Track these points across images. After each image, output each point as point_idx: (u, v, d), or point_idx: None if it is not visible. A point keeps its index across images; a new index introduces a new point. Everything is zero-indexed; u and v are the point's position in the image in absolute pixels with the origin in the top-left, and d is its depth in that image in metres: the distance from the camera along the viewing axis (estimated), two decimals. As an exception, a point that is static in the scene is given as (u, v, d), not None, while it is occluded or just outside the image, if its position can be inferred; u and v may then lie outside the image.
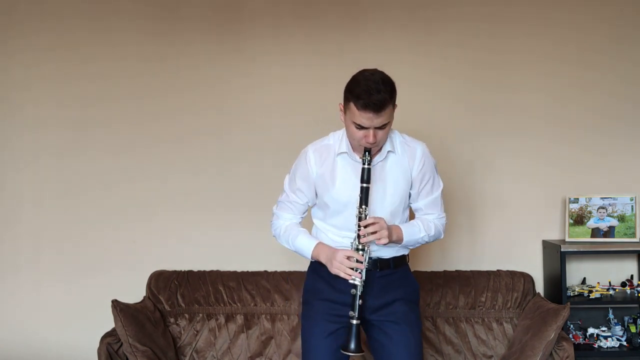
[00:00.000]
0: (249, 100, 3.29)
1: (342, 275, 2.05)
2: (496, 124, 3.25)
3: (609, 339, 2.95)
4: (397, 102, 2.10)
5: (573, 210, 3.12)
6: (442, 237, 2.30)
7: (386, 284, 2.19)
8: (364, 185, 2.05)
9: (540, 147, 3.23)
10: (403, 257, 2.26)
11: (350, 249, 2.08)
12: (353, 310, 2.03)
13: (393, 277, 2.21)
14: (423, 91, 3.24)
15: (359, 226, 2.05)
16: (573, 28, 3.24)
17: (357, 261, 2.04)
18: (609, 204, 3.08)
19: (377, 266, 2.17)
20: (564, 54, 3.24)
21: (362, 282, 2.03)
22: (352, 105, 1.99)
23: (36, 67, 3.32)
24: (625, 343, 2.95)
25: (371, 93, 1.94)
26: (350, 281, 2.04)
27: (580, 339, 2.97)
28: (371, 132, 2.00)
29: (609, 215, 3.08)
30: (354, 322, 2.02)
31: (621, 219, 3.06)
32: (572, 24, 3.24)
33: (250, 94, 3.30)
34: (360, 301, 2.03)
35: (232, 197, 3.27)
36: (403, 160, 2.19)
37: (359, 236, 2.05)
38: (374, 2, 3.27)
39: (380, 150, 2.16)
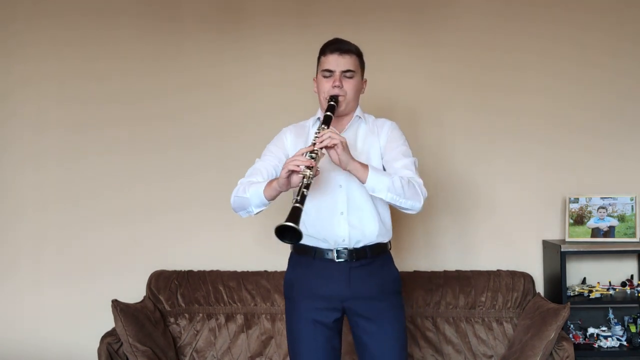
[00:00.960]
0: (249, 100, 3.29)
1: (293, 167, 1.91)
2: (495, 124, 3.24)
3: (609, 338, 2.95)
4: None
5: (573, 210, 3.12)
6: (421, 205, 2.08)
7: (363, 274, 2.15)
8: (327, 113, 2.08)
9: (540, 147, 3.23)
10: (381, 245, 2.20)
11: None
12: (297, 195, 1.86)
13: (371, 266, 2.17)
14: (422, 90, 3.24)
15: (315, 137, 1.98)
16: (573, 26, 3.24)
17: (307, 155, 1.92)
18: (609, 204, 3.08)
19: (352, 256, 2.14)
20: (564, 52, 3.24)
21: (311, 176, 1.88)
22: (321, 58, 2.20)
23: (37, 66, 3.32)
24: (625, 343, 2.95)
25: (338, 41, 2.20)
26: (300, 174, 1.89)
27: (580, 339, 2.97)
28: (337, 74, 2.14)
29: (609, 215, 3.08)
30: (296, 205, 1.83)
31: (621, 219, 3.06)
32: (572, 22, 3.24)
33: (250, 94, 3.30)
34: (305, 191, 1.86)
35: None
36: (373, 129, 2.26)
37: (313, 144, 1.95)
38: (374, 2, 3.27)
39: (349, 116, 2.24)
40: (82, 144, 3.31)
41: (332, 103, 2.13)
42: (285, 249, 3.11)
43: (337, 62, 2.15)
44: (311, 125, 2.31)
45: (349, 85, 2.17)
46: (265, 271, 3.15)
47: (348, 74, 2.16)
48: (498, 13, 3.26)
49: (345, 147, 1.98)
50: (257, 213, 2.15)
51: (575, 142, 3.23)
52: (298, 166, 1.91)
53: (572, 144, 3.23)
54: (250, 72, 3.29)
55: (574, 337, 2.96)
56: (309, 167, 1.90)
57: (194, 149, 3.30)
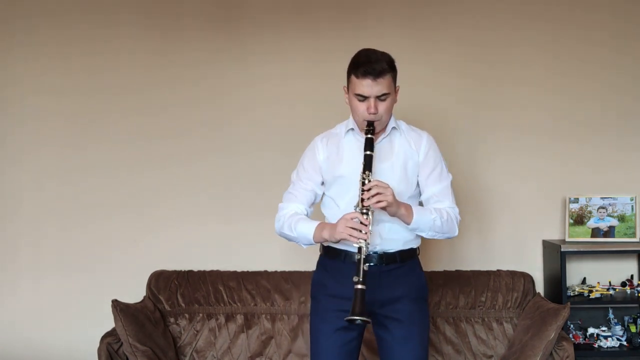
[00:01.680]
0: (249, 98, 3.29)
1: (347, 237, 1.96)
2: (496, 123, 3.24)
3: (609, 338, 2.95)
4: (398, 99, 2.11)
5: (573, 210, 3.12)
6: (457, 233, 2.18)
7: (392, 279, 2.16)
8: (367, 153, 2.05)
9: (540, 146, 3.23)
10: (411, 250, 2.21)
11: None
12: (357, 274, 1.92)
13: (399, 271, 2.17)
14: (423, 87, 3.23)
15: (362, 191, 1.99)
16: (574, 24, 3.24)
17: (362, 223, 1.95)
18: (609, 204, 3.08)
19: (382, 260, 2.15)
20: (564, 53, 3.24)
21: (367, 245, 1.95)
22: (352, 77, 2.09)
23: (36, 60, 3.32)
24: (625, 343, 2.95)
25: (370, 61, 2.05)
26: (355, 244, 1.96)
27: (580, 339, 2.97)
28: (372, 101, 2.06)
29: (609, 215, 3.08)
30: (359, 287, 1.90)
31: (621, 219, 3.06)
32: (573, 19, 3.24)
33: (251, 94, 3.29)
34: (365, 266, 1.93)
35: (233, 197, 3.27)
36: (409, 141, 2.21)
37: (362, 200, 1.98)
38: (373, 1, 3.27)
39: (384, 129, 2.19)
40: (82, 144, 3.31)
41: (370, 137, 2.06)
42: (285, 249, 3.12)
43: (371, 88, 2.05)
44: (343, 135, 2.23)
45: (383, 108, 2.09)
46: (265, 271, 3.15)
47: (382, 97, 2.07)
48: (500, 9, 3.25)
49: (394, 199, 2.00)
50: (306, 247, 2.21)
51: (575, 142, 3.23)
52: (353, 236, 1.95)
53: (572, 143, 3.23)
54: (250, 68, 3.28)
55: (574, 337, 2.96)
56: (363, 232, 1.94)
57: (195, 149, 3.29)
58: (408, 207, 2.07)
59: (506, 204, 3.23)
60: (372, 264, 2.12)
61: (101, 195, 3.29)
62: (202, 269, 3.20)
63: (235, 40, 3.29)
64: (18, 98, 3.33)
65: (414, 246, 2.24)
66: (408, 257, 2.21)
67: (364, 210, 1.98)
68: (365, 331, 2.24)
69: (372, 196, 1.96)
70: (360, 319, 1.87)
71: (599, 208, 3.09)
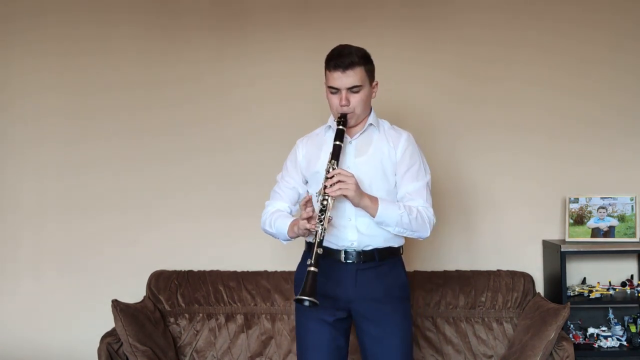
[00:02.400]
0: (249, 97, 3.29)
1: (306, 226, 1.99)
2: (496, 123, 3.24)
3: (609, 338, 2.95)
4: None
5: (573, 210, 3.12)
6: (428, 234, 2.16)
7: (370, 277, 2.16)
8: (336, 143, 2.07)
9: (540, 146, 3.23)
10: (390, 249, 2.20)
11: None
12: (310, 257, 1.96)
13: (379, 269, 2.17)
14: (422, 87, 3.24)
15: (326, 178, 2.02)
16: (574, 23, 3.24)
17: (320, 211, 1.99)
18: (609, 204, 3.08)
19: (360, 258, 2.15)
20: (564, 51, 3.23)
21: (323, 230, 1.97)
22: (326, 71, 2.14)
23: (36, 59, 3.32)
24: (625, 343, 2.95)
25: (341, 54, 2.10)
26: (312, 229, 1.99)
27: (580, 339, 2.97)
28: (343, 92, 2.10)
29: (609, 215, 3.08)
30: (311, 269, 1.94)
31: (621, 219, 3.06)
32: (573, 18, 3.24)
33: (249, 93, 3.29)
34: (319, 250, 1.95)
35: (233, 197, 3.27)
36: (388, 139, 2.23)
37: (324, 187, 2.01)
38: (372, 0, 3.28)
39: (363, 123, 2.21)
40: (82, 144, 3.31)
41: (340, 127, 2.10)
42: (285, 249, 3.11)
43: (341, 80, 2.10)
44: (324, 133, 2.29)
45: (356, 100, 2.13)
46: (265, 271, 3.15)
47: (354, 89, 2.12)
48: (499, 8, 3.25)
49: (357, 189, 2.02)
50: (285, 243, 2.27)
51: (575, 141, 3.22)
52: (309, 225, 2.00)
53: (572, 143, 3.22)
54: (250, 68, 3.28)
55: (574, 337, 2.96)
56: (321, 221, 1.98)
57: (194, 149, 3.29)
58: (374, 199, 2.08)
59: (506, 203, 3.23)
60: (349, 261, 2.15)
61: (101, 195, 3.30)
62: (202, 269, 3.20)
63: (235, 38, 3.29)
64: (18, 96, 3.33)
65: (395, 245, 2.22)
66: (387, 256, 2.20)
67: (325, 197, 2.00)
68: (353, 331, 2.25)
69: (334, 184, 1.99)
70: (309, 300, 1.89)
71: (599, 208, 3.09)
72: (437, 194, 3.18)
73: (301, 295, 1.90)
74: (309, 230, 2.01)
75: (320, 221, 1.98)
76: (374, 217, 2.08)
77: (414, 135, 2.29)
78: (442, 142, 3.24)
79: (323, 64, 2.19)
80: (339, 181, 1.99)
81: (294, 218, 2.18)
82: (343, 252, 2.16)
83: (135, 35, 3.31)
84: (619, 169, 3.21)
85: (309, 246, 2.24)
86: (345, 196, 2.02)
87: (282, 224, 2.18)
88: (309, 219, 2.01)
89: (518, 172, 3.23)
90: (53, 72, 3.32)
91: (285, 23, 3.28)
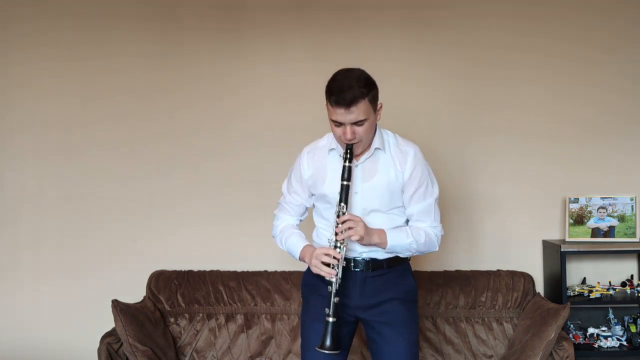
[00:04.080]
0: (248, 99, 3.29)
1: (318, 272, 2.05)
2: (496, 123, 3.24)
3: (609, 338, 2.95)
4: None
5: (573, 210, 3.12)
6: (437, 249, 2.23)
7: (379, 284, 2.17)
8: (344, 183, 2.06)
9: (540, 146, 3.23)
10: (397, 257, 2.21)
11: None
12: (328, 307, 2.02)
13: (387, 276, 2.19)
14: (422, 90, 3.24)
15: (337, 223, 2.05)
16: (574, 26, 3.24)
17: (334, 258, 2.02)
18: (609, 204, 3.08)
19: (369, 266, 2.17)
20: (564, 51, 3.24)
21: (338, 280, 2.02)
22: (327, 102, 2.06)
23: (35, 64, 3.32)
24: (625, 343, 2.95)
25: (342, 89, 1.99)
26: (327, 278, 2.04)
27: (580, 339, 2.97)
28: (347, 128, 2.03)
29: (609, 215, 3.08)
30: (330, 320, 2.01)
31: (621, 219, 3.06)
32: (572, 20, 3.24)
33: (251, 96, 3.29)
34: (336, 299, 2.01)
35: (233, 198, 3.27)
36: (395, 161, 2.18)
37: (336, 233, 2.06)
38: (372, 1, 3.27)
39: (368, 148, 2.16)
40: (81, 144, 3.31)
41: (347, 165, 2.06)
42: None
43: (345, 117, 2.01)
44: (327, 152, 2.22)
45: (361, 131, 2.05)
46: (265, 271, 3.15)
47: (359, 123, 2.04)
48: (499, 11, 3.25)
49: (365, 234, 2.06)
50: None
51: (575, 142, 3.23)
52: (324, 272, 2.04)
53: (572, 144, 3.23)
54: (250, 70, 3.29)
55: (574, 337, 2.96)
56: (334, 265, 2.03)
57: (194, 149, 3.29)
58: (382, 235, 2.12)
59: (506, 203, 3.23)
60: (357, 269, 2.17)
61: (101, 195, 3.30)
62: (202, 269, 3.20)
63: (236, 41, 3.29)
64: (18, 102, 3.33)
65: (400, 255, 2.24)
66: (396, 263, 2.21)
67: (337, 244, 2.05)
68: (358, 331, 2.27)
69: (345, 230, 2.03)
70: (329, 353, 2.00)
71: (599, 208, 3.09)
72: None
73: (320, 348, 2.01)
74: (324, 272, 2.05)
75: (336, 271, 2.02)
76: (384, 249, 2.13)
77: (419, 145, 2.25)
78: (443, 144, 3.24)
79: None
80: (350, 228, 2.03)
81: (306, 244, 2.22)
82: (352, 260, 2.17)
83: (134, 41, 3.31)
84: (619, 169, 3.21)
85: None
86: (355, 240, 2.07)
87: (294, 246, 2.23)
88: (324, 264, 2.05)
89: (518, 173, 3.23)
90: (51, 77, 3.32)
91: (285, 26, 3.28)
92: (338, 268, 2.02)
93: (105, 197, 3.30)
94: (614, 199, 3.07)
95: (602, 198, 3.09)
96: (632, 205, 3.06)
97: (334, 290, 2.01)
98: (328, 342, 1.99)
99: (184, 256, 3.25)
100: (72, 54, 3.32)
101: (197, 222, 3.28)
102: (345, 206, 2.06)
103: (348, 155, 2.07)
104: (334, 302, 2.01)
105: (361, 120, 2.03)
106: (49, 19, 3.32)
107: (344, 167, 2.07)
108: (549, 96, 3.24)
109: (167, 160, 3.30)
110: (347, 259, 2.16)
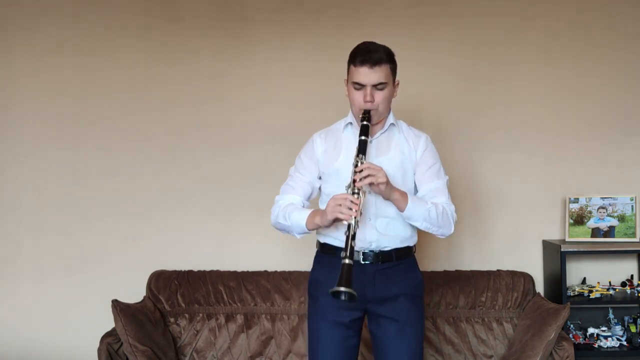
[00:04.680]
0: (250, 98, 3.29)
1: (337, 214, 1.95)
2: (496, 123, 3.24)
3: (609, 338, 2.95)
4: (394, 101, 2.12)
5: (573, 210, 3.12)
6: (452, 231, 2.17)
7: (388, 277, 2.17)
8: (362, 138, 2.05)
9: (540, 146, 3.23)
10: (407, 248, 2.22)
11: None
12: (345, 250, 1.90)
13: (395, 269, 2.18)
14: (422, 87, 3.24)
15: (355, 172, 1.99)
16: (574, 25, 3.24)
17: (352, 202, 1.94)
18: (609, 204, 3.08)
19: (378, 259, 2.16)
20: (564, 51, 3.23)
21: (357, 223, 1.94)
22: (351, 66, 2.12)
23: (37, 63, 3.32)
24: (625, 343, 2.95)
25: (369, 50, 2.09)
26: (345, 222, 1.95)
27: (580, 339, 2.97)
28: (368, 89, 2.08)
29: (609, 215, 3.07)
30: (346, 261, 1.88)
31: (621, 219, 3.06)
32: (573, 21, 3.24)
33: (251, 91, 3.29)
34: (353, 242, 1.91)
35: (233, 197, 3.27)
36: (408, 139, 2.23)
37: (354, 181, 1.98)
38: (373, 1, 3.27)
39: (383, 123, 2.20)
40: (81, 144, 3.31)
41: (365, 123, 2.07)
42: (285, 249, 3.12)
43: (368, 76, 2.08)
44: (342, 130, 2.25)
45: (380, 97, 2.11)
46: (265, 271, 3.15)
47: (379, 87, 2.10)
48: (500, 8, 3.25)
49: (388, 181, 2.01)
50: (300, 237, 2.21)
51: (575, 142, 3.23)
52: (342, 213, 1.94)
53: (572, 144, 3.23)
54: (250, 67, 3.29)
55: (574, 337, 2.96)
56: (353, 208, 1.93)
57: (194, 149, 3.29)
58: (403, 194, 2.08)
59: (506, 203, 3.23)
60: (367, 262, 2.15)
61: (101, 195, 3.30)
62: (202, 269, 3.20)
63: (237, 40, 3.29)
64: (18, 98, 3.33)
65: (411, 244, 2.24)
66: (404, 256, 2.21)
67: (356, 191, 1.98)
68: (363, 329, 2.25)
69: (364, 177, 1.97)
70: (346, 290, 1.82)
71: (599, 208, 3.09)
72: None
73: (339, 285, 1.82)
74: (339, 220, 1.97)
75: (355, 213, 1.93)
76: (402, 211, 2.08)
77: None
78: (442, 144, 3.23)
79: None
80: (369, 175, 1.97)
81: (313, 209, 2.15)
82: (362, 253, 2.16)
83: (137, 38, 3.31)
84: (619, 169, 3.21)
85: (323, 248, 2.24)
86: (377, 187, 2.00)
87: (299, 216, 2.12)
88: (343, 206, 1.95)
89: (518, 173, 3.23)
90: (51, 74, 3.31)
91: (288, 24, 3.28)
92: (357, 214, 1.94)
93: (105, 196, 3.29)
94: (614, 199, 3.07)
95: (602, 198, 3.09)
96: (632, 205, 3.06)
97: (351, 234, 1.92)
98: (344, 281, 1.84)
99: (184, 256, 3.25)
100: (72, 51, 3.31)
101: (197, 222, 3.28)
102: (363, 157, 2.02)
103: (366, 116, 2.09)
104: (351, 246, 1.90)
105: (382, 83, 2.09)
106: (49, 17, 3.32)
107: (362, 125, 2.08)
108: (548, 96, 3.24)
109: (167, 159, 3.30)
110: (356, 251, 2.13)
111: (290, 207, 2.18)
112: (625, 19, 3.23)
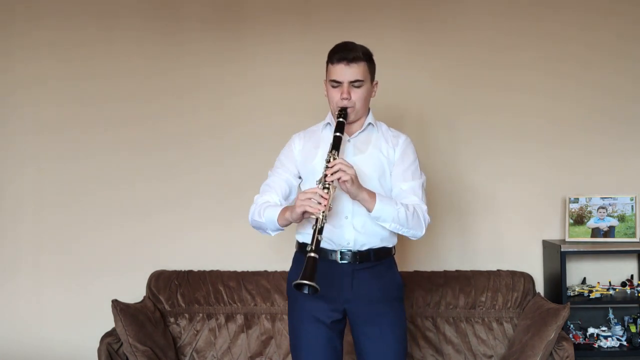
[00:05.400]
0: (248, 99, 3.29)
1: (306, 208, 1.93)
2: (496, 123, 3.24)
3: (609, 338, 2.95)
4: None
5: (573, 210, 3.12)
6: (423, 233, 2.14)
7: (366, 278, 2.15)
8: (337, 134, 2.06)
9: (540, 146, 3.23)
10: (385, 249, 2.20)
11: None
12: (311, 244, 1.89)
13: (373, 270, 2.16)
14: (422, 90, 3.24)
15: (326, 167, 1.99)
16: (573, 26, 3.24)
17: (321, 197, 1.93)
18: (609, 204, 3.08)
19: (356, 258, 2.14)
20: (564, 51, 3.24)
21: (325, 217, 1.92)
22: (328, 65, 2.15)
23: (37, 66, 3.32)
24: (625, 343, 2.95)
25: (347, 47, 2.12)
26: (314, 214, 1.92)
27: (580, 339, 2.97)
28: (345, 87, 2.11)
29: (609, 215, 3.08)
30: (311, 254, 1.87)
31: (621, 219, 3.06)
32: (572, 22, 3.24)
33: (250, 94, 3.30)
34: (320, 236, 1.90)
35: (233, 197, 3.27)
36: (387, 140, 2.24)
37: (325, 176, 1.97)
38: (374, 1, 3.27)
39: (360, 122, 2.22)
40: (82, 144, 3.31)
41: (340, 120, 2.09)
42: (285, 249, 3.11)
43: (344, 73, 2.10)
44: (321, 130, 2.28)
45: (357, 95, 2.13)
46: (265, 271, 3.15)
47: (356, 84, 2.12)
48: (500, 11, 3.26)
49: (356, 180, 2.00)
50: (274, 235, 2.20)
51: (575, 142, 3.23)
52: (312, 207, 1.93)
53: (572, 144, 3.23)
54: (249, 71, 3.29)
55: (574, 337, 2.96)
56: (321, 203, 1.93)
57: (194, 149, 3.29)
58: (371, 194, 2.06)
59: (506, 204, 3.23)
60: (345, 262, 2.14)
61: (101, 195, 3.30)
62: (202, 269, 3.20)
63: (236, 44, 3.29)
64: (19, 104, 3.33)
65: (389, 245, 2.22)
66: (383, 256, 2.20)
67: (326, 185, 1.96)
68: (346, 331, 2.24)
69: (335, 172, 1.96)
70: (309, 284, 1.82)
71: (599, 208, 3.09)
72: (438, 195, 3.20)
73: (301, 279, 1.82)
74: (309, 213, 1.94)
75: (323, 207, 1.92)
76: (370, 211, 2.05)
77: (412, 138, 2.30)
78: (443, 144, 3.24)
79: (324, 68, 2.19)
80: (340, 170, 1.96)
81: (285, 205, 2.15)
82: (339, 252, 2.14)
83: (136, 43, 3.30)
84: (619, 169, 3.21)
85: (301, 247, 2.22)
86: (344, 185, 1.98)
87: (272, 213, 2.10)
88: (311, 200, 1.93)
89: (518, 173, 3.23)
90: (51, 80, 3.31)
91: (286, 27, 3.28)
92: (325, 208, 1.92)
93: (106, 197, 3.29)
94: (614, 199, 3.07)
95: (602, 198, 3.09)
96: (632, 205, 3.06)
97: (317, 227, 1.90)
98: (308, 274, 1.84)
99: (184, 256, 3.25)
100: (72, 56, 3.31)
101: (197, 222, 3.28)
102: (336, 153, 2.02)
103: (342, 113, 2.10)
104: (317, 239, 1.89)
105: (359, 81, 2.11)
106: (51, 22, 3.32)
107: (337, 122, 2.09)
108: (549, 97, 3.24)
109: (167, 160, 3.30)
110: (333, 251, 2.14)
111: (265, 204, 2.17)
112: (624, 22, 3.23)
